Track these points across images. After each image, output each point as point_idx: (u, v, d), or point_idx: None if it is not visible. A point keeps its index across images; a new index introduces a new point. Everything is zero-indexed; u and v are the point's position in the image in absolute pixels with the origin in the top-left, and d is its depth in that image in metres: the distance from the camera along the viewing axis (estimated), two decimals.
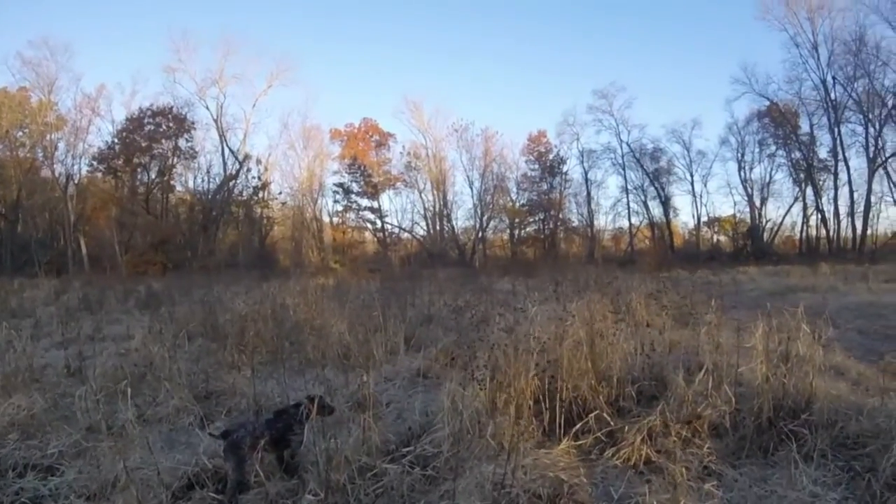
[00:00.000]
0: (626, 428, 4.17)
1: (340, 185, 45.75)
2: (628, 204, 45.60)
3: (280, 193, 43.85)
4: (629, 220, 46.20)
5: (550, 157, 46.97)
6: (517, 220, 47.20)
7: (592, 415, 4.34)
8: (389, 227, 47.87)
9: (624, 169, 44.96)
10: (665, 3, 62.63)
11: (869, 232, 37.12)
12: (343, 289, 11.73)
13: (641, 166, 44.45)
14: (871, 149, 36.10)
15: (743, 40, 63.15)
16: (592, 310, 5.62)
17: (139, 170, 40.63)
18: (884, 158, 36.06)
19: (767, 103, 40.04)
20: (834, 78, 36.75)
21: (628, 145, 44.46)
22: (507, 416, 4.18)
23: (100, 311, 12.74)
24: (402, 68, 70.56)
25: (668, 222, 45.29)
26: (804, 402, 4.40)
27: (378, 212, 46.89)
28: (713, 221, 45.72)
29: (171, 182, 41.45)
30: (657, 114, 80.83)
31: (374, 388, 6.04)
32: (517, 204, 47.24)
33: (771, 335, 4.84)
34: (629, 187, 45.15)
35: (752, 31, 67.02)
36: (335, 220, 46.94)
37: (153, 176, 40.93)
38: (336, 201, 46.42)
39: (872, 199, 36.69)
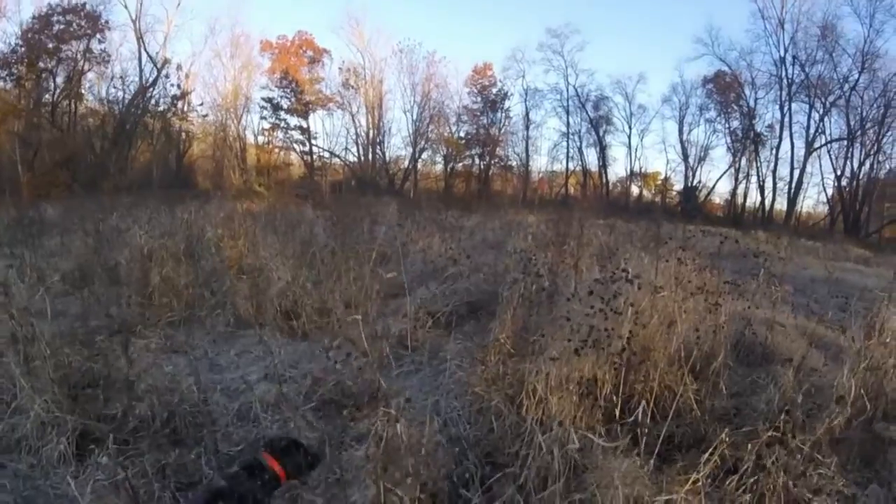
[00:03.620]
0: (749, 448, 2.79)
1: (269, 100, 40.52)
2: (567, 148, 43.85)
3: (201, 104, 38.44)
4: (567, 164, 44.63)
5: (494, 91, 43.82)
6: (454, 152, 44.74)
7: (724, 434, 2.72)
8: (318, 150, 43.51)
9: (567, 113, 42.87)
10: None
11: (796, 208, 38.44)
12: (275, 216, 9.28)
13: (586, 111, 42.57)
14: (812, 131, 36.79)
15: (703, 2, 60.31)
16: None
17: (44, 76, 34.34)
18: (828, 139, 36.91)
19: (723, 68, 39.53)
20: (794, 57, 36.47)
21: (575, 89, 42.07)
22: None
23: None
24: None
25: (606, 171, 43.99)
26: None
27: (307, 133, 42.26)
28: (637, 175, 44.69)
29: (81, 91, 35.40)
30: (604, 62, 77.00)
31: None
32: (455, 136, 44.55)
33: None
34: (569, 132, 43.41)
35: None
36: (261, 139, 42.18)
37: (60, 83, 34.87)
38: (263, 118, 41.26)
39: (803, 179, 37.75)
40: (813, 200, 41.14)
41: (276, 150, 43.30)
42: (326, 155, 44.08)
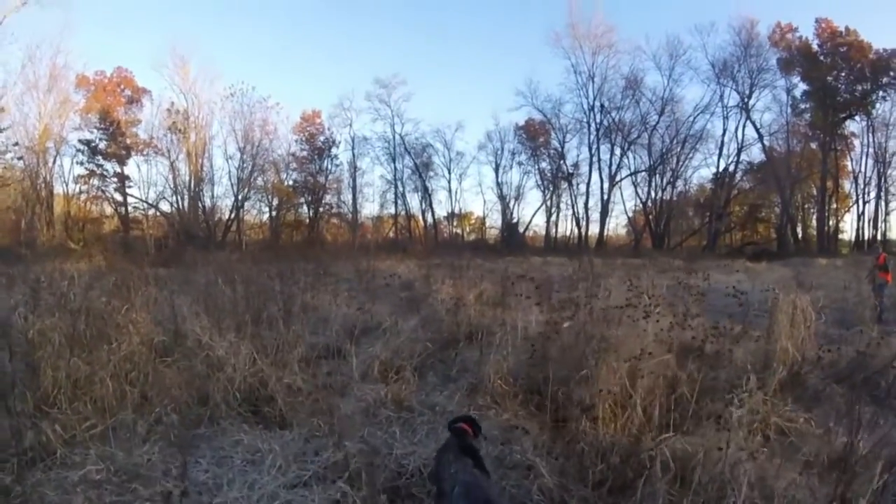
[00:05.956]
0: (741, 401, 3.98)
1: (87, 142, 35.29)
2: (395, 194, 45.05)
3: (16, 145, 31.50)
4: (395, 209, 45.81)
5: (322, 139, 43.43)
6: (284, 199, 42.66)
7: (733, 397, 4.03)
8: (135, 200, 38.85)
9: (394, 160, 44.21)
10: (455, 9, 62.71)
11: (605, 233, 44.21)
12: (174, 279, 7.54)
13: (412, 158, 44.32)
14: (614, 167, 43.13)
15: (518, 56, 67.53)
16: None
17: None
18: (630, 172, 43.65)
19: (536, 116, 44.37)
20: (602, 105, 42.29)
21: (401, 137, 43.67)
22: None
23: None
24: (171, 15, 57.36)
25: (433, 213, 46.18)
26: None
27: (125, 181, 37.57)
28: (454, 216, 47.75)
29: None
30: (427, 111, 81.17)
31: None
32: (284, 183, 42.74)
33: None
34: (396, 178, 44.93)
35: (529, 49, 70.83)
36: (72, 187, 36.34)
37: None
38: (80, 163, 35.69)
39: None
40: (617, 224, 47.44)
41: (90, 200, 37.95)
42: (143, 206, 39.50)
